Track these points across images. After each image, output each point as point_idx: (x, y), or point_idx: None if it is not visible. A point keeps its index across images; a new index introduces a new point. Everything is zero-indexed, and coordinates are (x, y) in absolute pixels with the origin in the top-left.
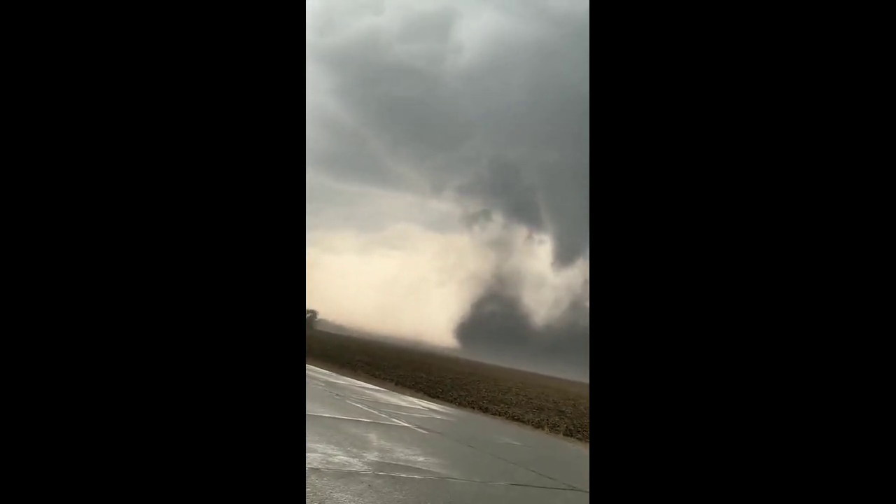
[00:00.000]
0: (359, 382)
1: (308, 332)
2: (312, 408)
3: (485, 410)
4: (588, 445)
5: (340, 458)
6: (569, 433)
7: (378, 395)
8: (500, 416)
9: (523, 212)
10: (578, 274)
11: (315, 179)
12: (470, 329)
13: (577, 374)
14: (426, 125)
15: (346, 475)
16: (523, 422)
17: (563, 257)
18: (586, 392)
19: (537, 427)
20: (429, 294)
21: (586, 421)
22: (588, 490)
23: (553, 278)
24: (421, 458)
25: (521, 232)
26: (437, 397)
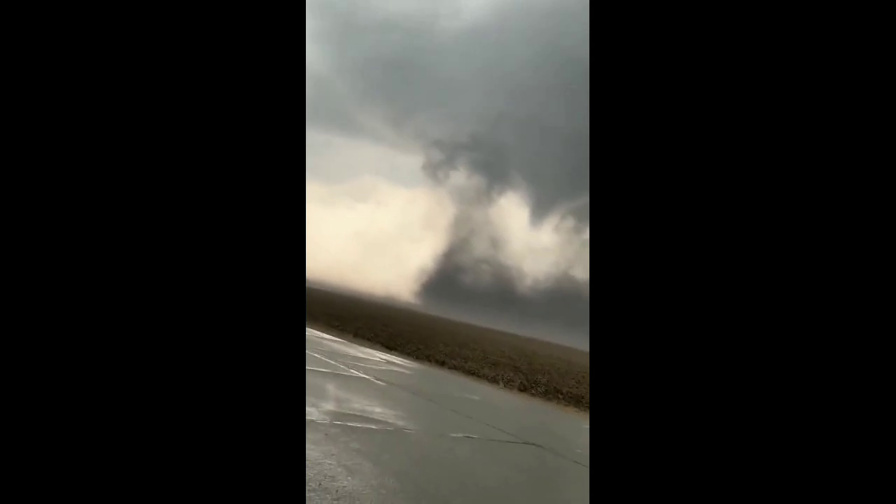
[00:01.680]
0: (317, 332)
1: None
2: None
3: (442, 364)
4: (541, 401)
5: None
6: (523, 388)
7: (336, 345)
8: (456, 370)
9: (495, 169)
10: (548, 230)
11: None
12: (432, 284)
13: (535, 331)
14: (406, 83)
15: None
16: (479, 376)
17: (536, 214)
18: (541, 349)
19: (492, 382)
20: (392, 248)
21: (540, 377)
22: (543, 445)
23: (522, 235)
24: (378, 410)
25: (491, 189)
26: (396, 350)
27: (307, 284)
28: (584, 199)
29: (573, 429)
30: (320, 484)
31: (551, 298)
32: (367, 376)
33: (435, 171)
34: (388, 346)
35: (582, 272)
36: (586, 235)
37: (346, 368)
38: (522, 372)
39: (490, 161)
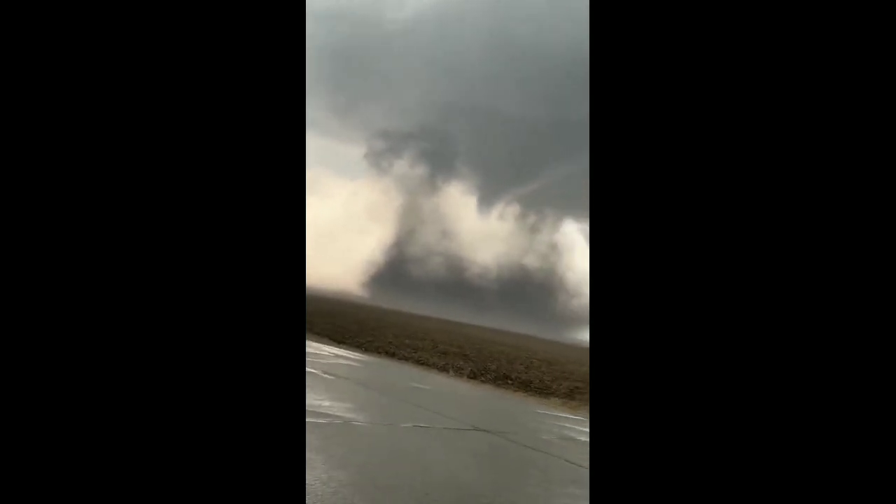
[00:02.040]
0: None
1: None
2: None
3: (391, 356)
4: (491, 387)
5: None
6: (472, 376)
7: None
8: (406, 360)
9: (441, 158)
10: (496, 218)
11: None
12: (380, 276)
13: (485, 319)
14: (351, 75)
15: None
16: (429, 366)
17: (484, 202)
18: (491, 337)
19: (442, 370)
20: (338, 241)
21: (489, 364)
22: (492, 430)
23: (470, 224)
24: (327, 403)
25: (437, 178)
26: (344, 343)
27: None
28: (532, 186)
29: (522, 413)
30: None
31: (501, 286)
32: (314, 370)
33: (379, 161)
34: (337, 340)
35: (531, 259)
36: (533, 222)
37: None
38: (472, 360)
39: (436, 150)
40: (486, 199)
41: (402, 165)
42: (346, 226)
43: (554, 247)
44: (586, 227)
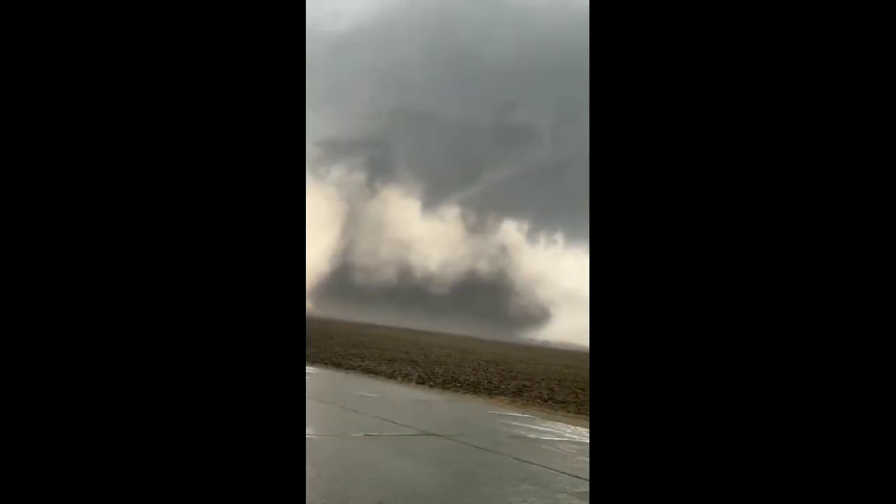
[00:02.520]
0: None
1: None
2: None
3: (338, 366)
4: (439, 391)
5: None
6: (420, 381)
7: None
8: (353, 370)
9: (383, 164)
10: (440, 223)
11: None
12: (324, 286)
13: (432, 324)
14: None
15: None
16: (376, 373)
17: (427, 207)
18: (438, 342)
19: (390, 378)
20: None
21: (437, 369)
22: (443, 434)
23: (413, 229)
24: None
25: (378, 184)
26: None
27: None
28: (474, 189)
29: (471, 415)
30: None
31: (447, 290)
32: None
33: (317, 168)
34: None
35: (476, 262)
36: (474, 224)
37: None
38: (420, 365)
39: (377, 157)
40: (430, 203)
41: (342, 172)
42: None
43: (498, 248)
44: (525, 226)
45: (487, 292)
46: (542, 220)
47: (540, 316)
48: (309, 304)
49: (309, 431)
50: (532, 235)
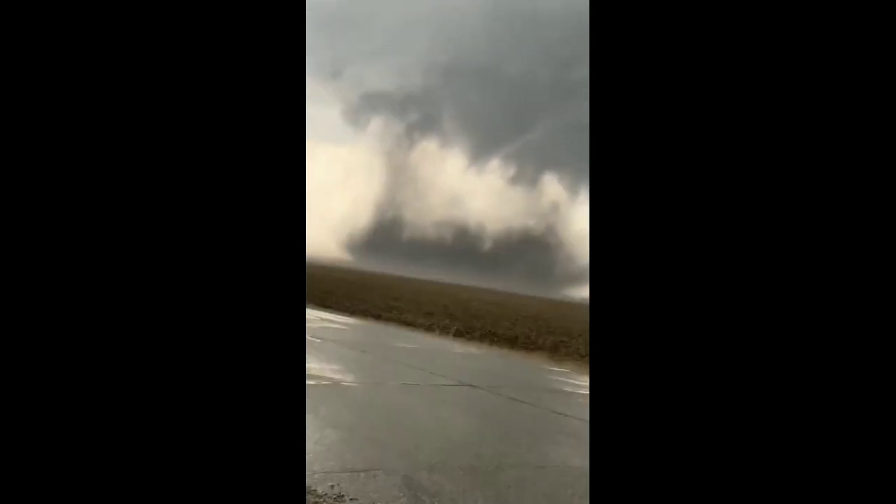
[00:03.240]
0: None
1: None
2: None
3: (377, 318)
4: (477, 344)
5: None
6: (459, 334)
7: None
8: (392, 322)
9: (427, 123)
10: (477, 180)
11: None
12: (365, 240)
13: (473, 279)
14: (335, 38)
15: None
16: (415, 326)
17: (475, 163)
18: (478, 295)
19: (428, 330)
20: (320, 207)
21: (475, 322)
22: (480, 385)
23: (454, 185)
24: (315, 365)
25: (425, 138)
26: (330, 307)
27: None
28: (522, 142)
29: (508, 367)
30: None
31: (490, 246)
32: None
33: (362, 122)
34: (322, 304)
35: (519, 219)
36: (518, 178)
37: None
38: (458, 319)
39: (425, 111)
40: (477, 157)
41: (386, 125)
42: (326, 192)
43: (540, 203)
44: (568, 181)
45: (529, 248)
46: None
47: (579, 274)
48: (350, 258)
49: (348, 380)
50: (573, 189)
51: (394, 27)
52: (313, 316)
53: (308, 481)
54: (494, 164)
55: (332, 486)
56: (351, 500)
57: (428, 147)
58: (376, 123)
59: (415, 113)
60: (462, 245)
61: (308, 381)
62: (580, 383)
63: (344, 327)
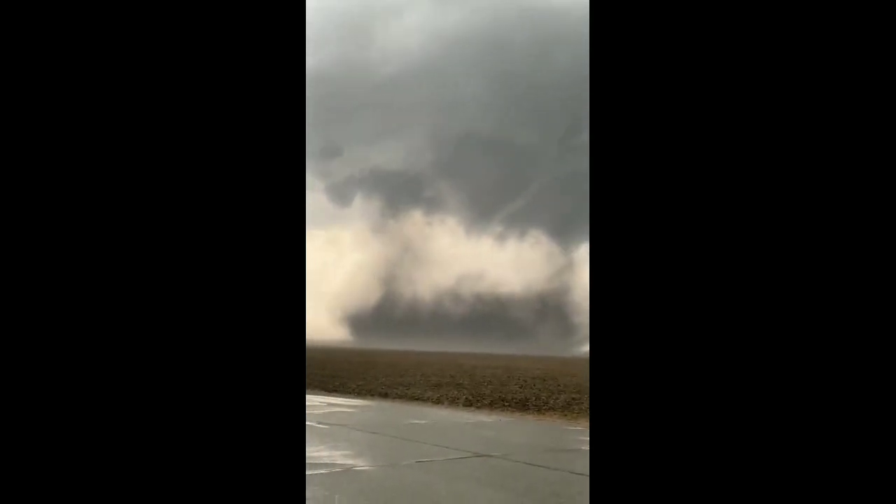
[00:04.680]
0: None
1: None
2: None
3: (384, 396)
4: (487, 412)
5: None
6: (468, 403)
7: None
8: (399, 398)
9: (417, 195)
10: (470, 249)
11: None
12: (361, 319)
13: (472, 347)
14: (331, 123)
15: None
16: (423, 400)
17: (467, 233)
18: (483, 362)
19: (437, 403)
20: (316, 289)
21: (483, 389)
22: (495, 453)
23: (446, 255)
24: (325, 453)
25: (414, 216)
26: (335, 391)
27: None
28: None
29: (522, 433)
30: None
31: (485, 312)
32: (309, 422)
33: (346, 200)
34: (328, 389)
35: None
36: (510, 248)
37: None
38: (465, 388)
39: (426, 186)
40: (473, 225)
41: (383, 203)
42: (321, 274)
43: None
44: (557, 239)
45: (531, 309)
46: (571, 232)
47: (578, 328)
48: (349, 338)
49: (360, 464)
50: (565, 247)
51: (396, 111)
52: (319, 401)
53: None
54: (491, 228)
55: None
56: None
57: (420, 218)
58: (370, 198)
59: (417, 189)
60: (462, 313)
61: (320, 469)
62: None
63: (351, 410)
